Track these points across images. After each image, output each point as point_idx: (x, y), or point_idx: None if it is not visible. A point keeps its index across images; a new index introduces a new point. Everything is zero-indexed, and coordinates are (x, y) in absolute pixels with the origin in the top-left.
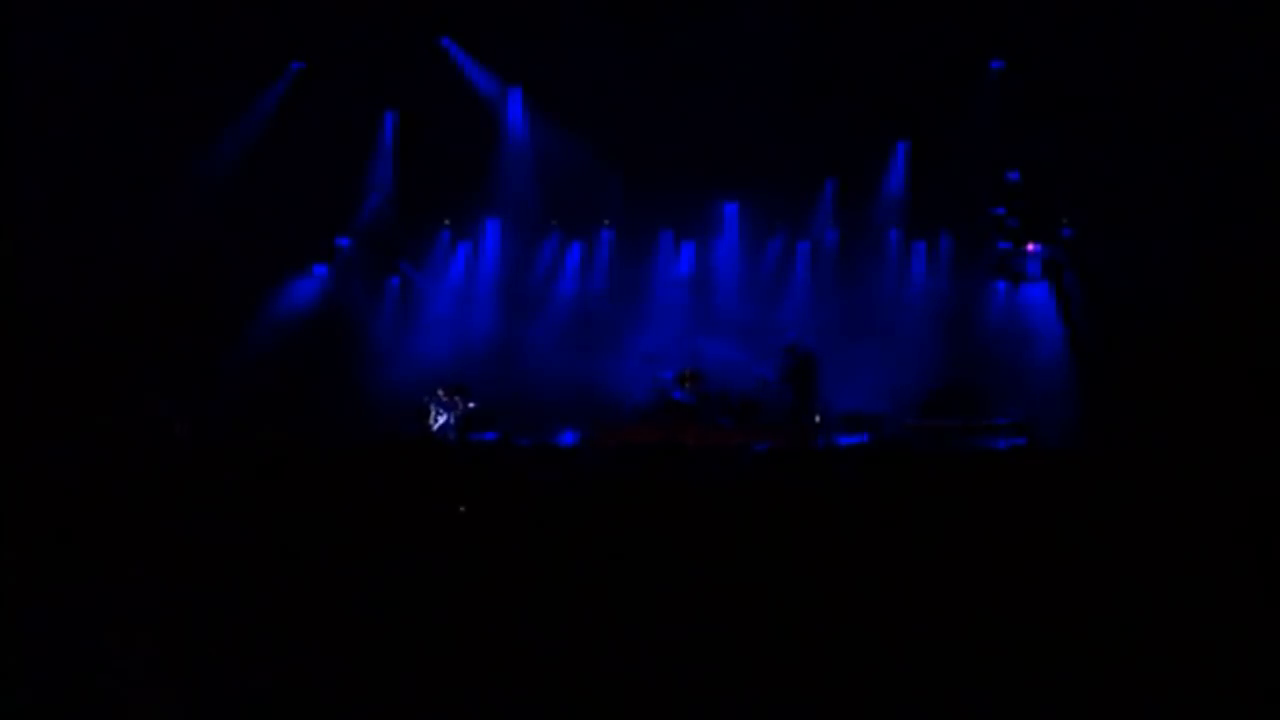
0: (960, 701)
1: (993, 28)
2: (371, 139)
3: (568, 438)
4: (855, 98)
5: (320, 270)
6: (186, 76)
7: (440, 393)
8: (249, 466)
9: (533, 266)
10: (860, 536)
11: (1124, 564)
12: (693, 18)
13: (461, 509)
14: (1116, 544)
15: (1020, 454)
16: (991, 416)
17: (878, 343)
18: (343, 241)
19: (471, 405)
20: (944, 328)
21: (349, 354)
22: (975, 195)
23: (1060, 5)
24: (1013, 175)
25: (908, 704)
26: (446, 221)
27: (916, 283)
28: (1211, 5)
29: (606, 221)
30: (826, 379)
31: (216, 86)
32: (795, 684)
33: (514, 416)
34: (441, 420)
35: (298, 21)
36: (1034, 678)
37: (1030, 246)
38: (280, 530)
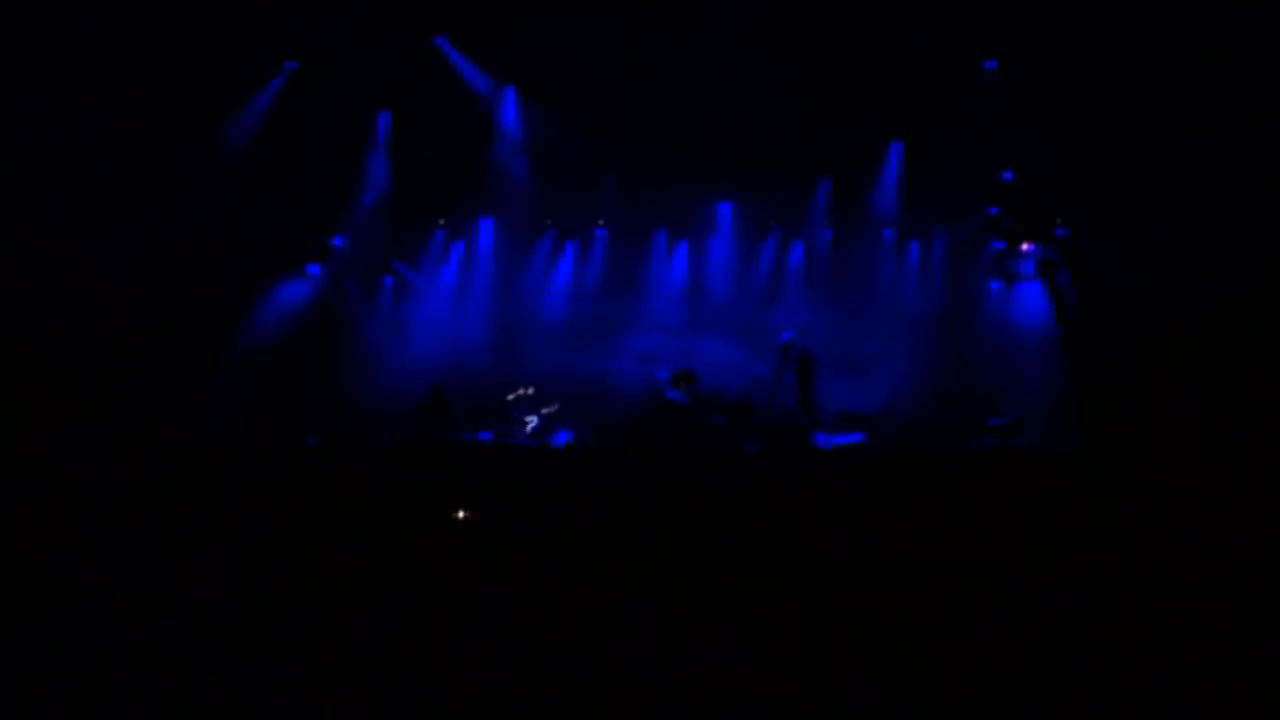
0: (959, 701)
1: (988, 27)
2: (366, 138)
3: (562, 437)
4: (850, 97)
5: (314, 269)
6: (181, 75)
7: (527, 393)
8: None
9: (528, 266)
10: (856, 535)
11: (1119, 563)
12: (687, 16)
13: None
14: (1111, 543)
15: (1015, 454)
16: (986, 416)
17: (872, 342)
18: (337, 241)
19: (555, 407)
20: (939, 327)
21: (343, 353)
22: (970, 195)
23: (1057, 5)
24: (1007, 175)
25: (906, 703)
26: (441, 221)
27: (911, 282)
28: (1209, 5)
29: (601, 221)
30: (822, 378)
31: (211, 85)
32: (794, 683)
33: (510, 416)
34: (531, 423)
35: (292, 21)
36: (1029, 675)
37: (1025, 246)
38: (278, 531)
